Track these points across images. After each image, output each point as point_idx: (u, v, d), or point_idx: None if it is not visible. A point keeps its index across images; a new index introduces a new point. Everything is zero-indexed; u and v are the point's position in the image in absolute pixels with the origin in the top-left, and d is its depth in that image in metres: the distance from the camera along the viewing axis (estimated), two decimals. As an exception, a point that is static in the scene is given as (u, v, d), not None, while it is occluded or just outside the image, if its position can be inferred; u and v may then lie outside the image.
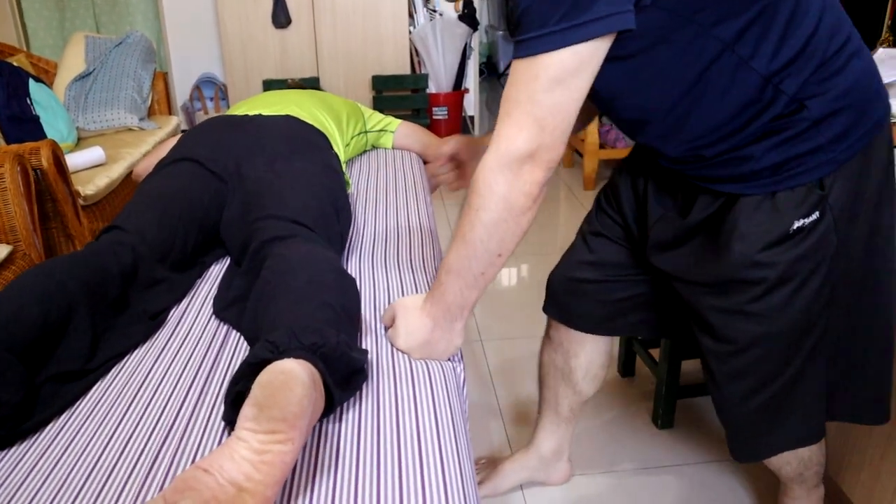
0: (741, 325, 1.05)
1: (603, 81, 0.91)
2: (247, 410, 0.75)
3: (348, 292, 1.04)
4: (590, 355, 1.41)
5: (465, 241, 0.95)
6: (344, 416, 0.90)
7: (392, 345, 1.05)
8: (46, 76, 2.94)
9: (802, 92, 0.91)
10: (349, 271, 1.32)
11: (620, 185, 1.24)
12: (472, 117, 4.83)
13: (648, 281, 1.27)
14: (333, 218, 1.32)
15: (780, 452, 1.19)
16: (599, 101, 1.02)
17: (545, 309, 1.40)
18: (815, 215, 0.96)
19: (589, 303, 1.32)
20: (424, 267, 1.34)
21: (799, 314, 1.02)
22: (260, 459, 0.72)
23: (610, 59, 0.87)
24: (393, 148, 2.12)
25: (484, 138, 1.34)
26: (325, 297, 0.96)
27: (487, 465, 1.65)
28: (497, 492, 1.61)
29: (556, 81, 0.84)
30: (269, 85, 4.03)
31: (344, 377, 0.89)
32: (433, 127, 4.37)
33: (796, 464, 1.27)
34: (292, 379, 0.76)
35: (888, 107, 1.00)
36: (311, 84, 4.03)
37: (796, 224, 0.96)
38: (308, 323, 0.88)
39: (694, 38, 0.88)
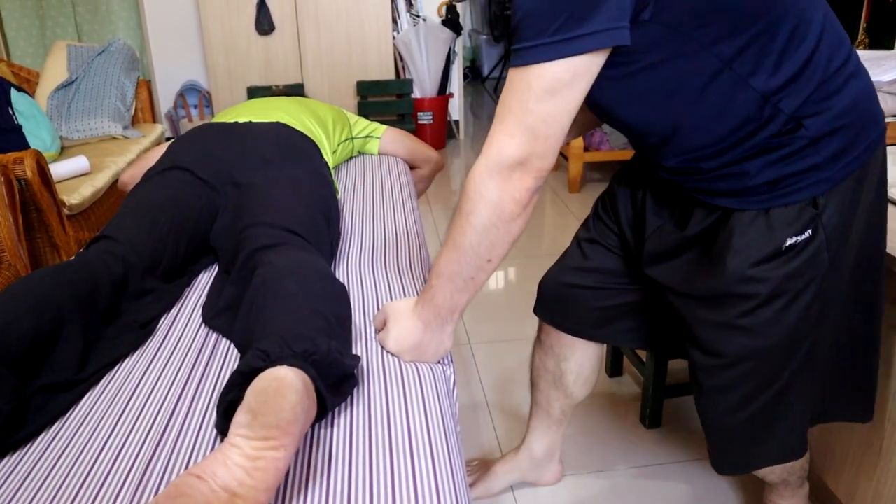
0: (731, 339, 1.06)
1: (601, 93, 0.92)
2: (240, 417, 0.75)
3: (339, 299, 1.04)
4: (581, 360, 1.42)
5: (455, 245, 0.96)
6: (336, 421, 0.90)
7: (382, 347, 1.06)
8: (28, 85, 2.93)
9: (801, 111, 0.91)
10: (341, 278, 1.32)
11: (618, 193, 1.25)
12: (457, 122, 4.85)
13: (640, 290, 1.28)
14: (324, 225, 1.33)
15: (766, 466, 1.20)
16: (598, 112, 1.03)
17: (536, 311, 1.41)
18: (808, 233, 0.97)
19: (579, 308, 1.33)
20: (412, 271, 1.35)
21: (789, 330, 1.03)
22: (253, 465, 0.72)
23: (608, 73, 0.88)
24: (379, 154, 2.13)
25: None
26: (316, 305, 0.97)
27: (479, 467, 1.66)
28: (489, 493, 1.62)
29: (550, 92, 0.85)
30: (254, 92, 4.02)
31: (335, 383, 0.90)
32: (418, 132, 4.39)
33: (780, 471, 1.28)
34: (285, 386, 0.77)
35: (884, 129, 1.01)
36: (296, 90, 4.03)
37: (789, 241, 0.97)
38: (299, 331, 0.89)
39: (693, 55, 0.89)
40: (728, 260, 1.00)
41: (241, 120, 1.60)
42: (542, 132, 0.87)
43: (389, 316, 1.07)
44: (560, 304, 1.36)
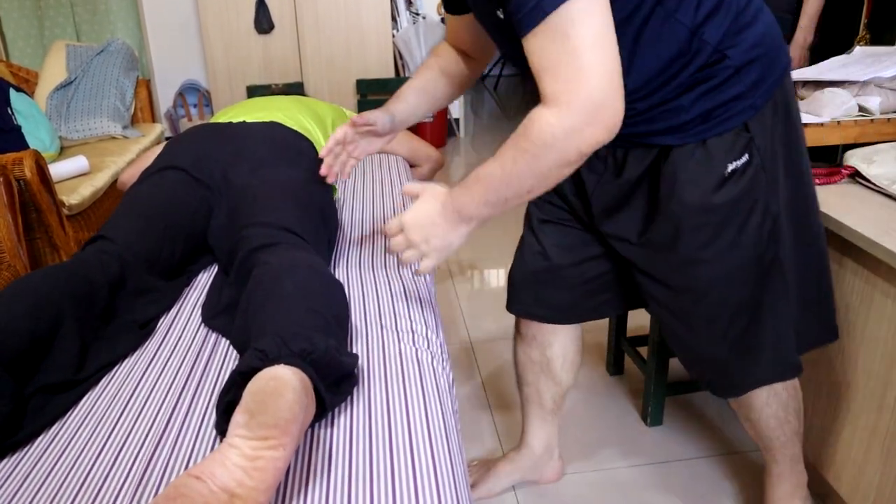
0: (697, 273, 1.10)
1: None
2: (238, 417, 0.75)
3: (336, 297, 1.04)
4: (564, 342, 1.43)
5: (504, 170, 0.95)
6: (336, 421, 0.90)
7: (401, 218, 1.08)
8: (27, 85, 2.92)
9: (723, 43, 0.97)
10: (340, 277, 1.32)
11: None
12: (457, 120, 4.84)
13: (607, 256, 1.29)
14: (320, 224, 1.33)
15: (762, 385, 1.23)
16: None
17: (510, 308, 1.41)
18: (745, 157, 1.03)
19: (553, 290, 1.34)
20: (411, 272, 1.35)
21: (747, 251, 1.08)
22: (252, 466, 0.72)
23: None
24: (378, 152, 2.12)
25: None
26: (313, 304, 0.97)
27: (480, 467, 1.65)
28: (491, 493, 1.62)
29: (584, 24, 0.82)
30: (253, 91, 4.02)
31: (334, 382, 0.90)
32: (418, 130, 4.38)
33: (776, 406, 1.29)
34: (283, 385, 0.76)
35: (790, 58, 1.09)
36: (296, 89, 4.03)
37: (730, 167, 1.03)
38: (297, 330, 0.89)
39: None
40: (677, 195, 1.05)
41: (236, 120, 1.60)
42: (597, 69, 0.84)
43: (424, 192, 1.08)
44: (533, 294, 1.36)
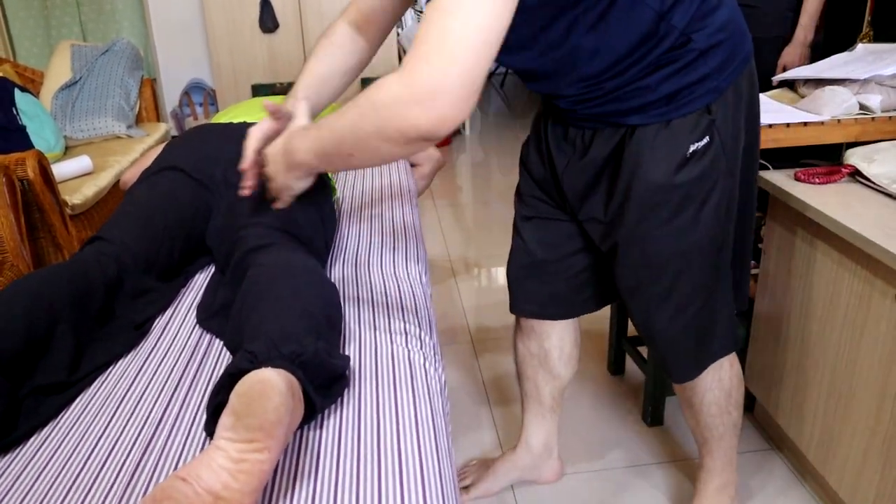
0: (654, 249, 1.13)
1: (515, 35, 0.85)
2: (224, 420, 0.75)
3: (329, 299, 1.04)
4: (561, 334, 1.46)
5: (338, 121, 0.91)
6: (325, 422, 0.90)
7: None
8: (33, 85, 2.94)
9: (689, 27, 0.99)
10: (333, 276, 1.32)
11: (529, 157, 1.30)
12: (462, 117, 4.83)
13: (591, 249, 1.30)
14: (318, 224, 1.33)
15: (714, 360, 1.28)
16: (508, 54, 1.00)
17: (513, 310, 1.43)
18: (707, 139, 1.06)
19: (540, 286, 1.36)
20: (408, 270, 1.35)
21: (705, 230, 1.12)
22: (237, 468, 0.72)
23: (522, 11, 0.82)
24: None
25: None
26: (305, 306, 0.97)
27: (479, 467, 1.66)
28: (489, 492, 1.62)
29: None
30: (258, 90, 4.02)
31: (324, 384, 0.90)
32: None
33: (718, 391, 1.32)
34: (269, 388, 0.76)
35: (752, 46, 1.11)
36: (300, 88, 4.03)
37: (692, 148, 1.06)
38: (287, 332, 0.89)
39: None
40: (639, 174, 1.07)
41: (236, 121, 1.60)
42: (458, 56, 0.77)
43: (289, 125, 1.10)
44: (522, 290, 1.39)
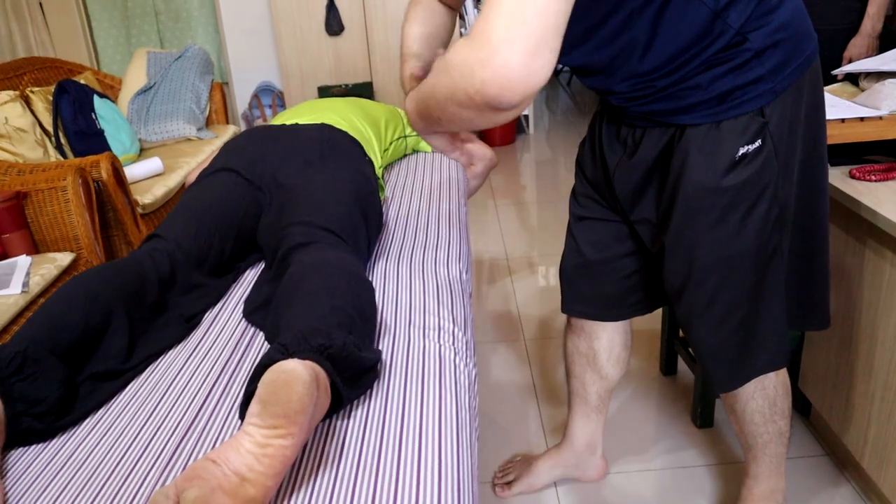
0: (697, 253, 1.11)
1: (570, 29, 0.85)
2: (252, 407, 0.80)
3: (362, 295, 1.08)
4: (611, 335, 1.45)
5: (430, 80, 0.91)
6: (352, 413, 0.94)
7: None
8: (111, 91, 3.12)
9: (746, 26, 0.97)
10: (377, 273, 1.36)
11: (584, 158, 1.30)
12: (526, 116, 4.82)
13: (642, 252, 1.30)
14: (361, 223, 1.37)
15: (759, 375, 1.24)
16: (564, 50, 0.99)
17: (564, 309, 1.44)
18: (758, 142, 1.03)
19: (589, 286, 1.37)
20: (448, 269, 1.37)
21: (752, 237, 1.08)
22: (262, 452, 0.77)
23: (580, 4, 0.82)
24: (433, 152, 2.16)
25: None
26: (338, 301, 1.01)
27: (523, 463, 1.67)
28: (531, 489, 1.63)
29: None
30: (324, 91, 4.14)
31: (353, 376, 0.94)
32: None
33: (761, 400, 1.28)
34: (294, 378, 0.81)
35: (817, 46, 1.07)
36: (365, 89, 4.12)
37: (741, 150, 1.03)
38: (318, 325, 0.93)
39: None
40: (687, 175, 1.06)
41: (289, 122, 1.66)
42: (518, 20, 0.76)
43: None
44: (572, 290, 1.40)
